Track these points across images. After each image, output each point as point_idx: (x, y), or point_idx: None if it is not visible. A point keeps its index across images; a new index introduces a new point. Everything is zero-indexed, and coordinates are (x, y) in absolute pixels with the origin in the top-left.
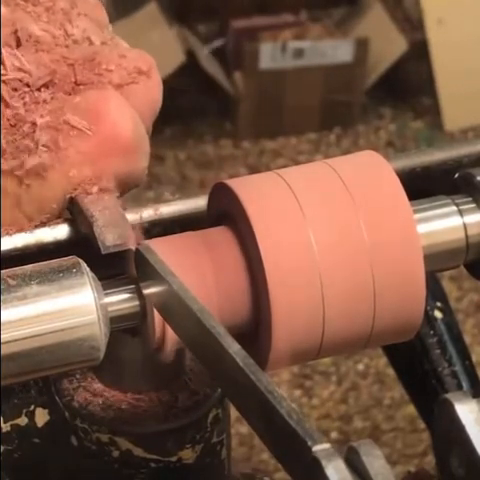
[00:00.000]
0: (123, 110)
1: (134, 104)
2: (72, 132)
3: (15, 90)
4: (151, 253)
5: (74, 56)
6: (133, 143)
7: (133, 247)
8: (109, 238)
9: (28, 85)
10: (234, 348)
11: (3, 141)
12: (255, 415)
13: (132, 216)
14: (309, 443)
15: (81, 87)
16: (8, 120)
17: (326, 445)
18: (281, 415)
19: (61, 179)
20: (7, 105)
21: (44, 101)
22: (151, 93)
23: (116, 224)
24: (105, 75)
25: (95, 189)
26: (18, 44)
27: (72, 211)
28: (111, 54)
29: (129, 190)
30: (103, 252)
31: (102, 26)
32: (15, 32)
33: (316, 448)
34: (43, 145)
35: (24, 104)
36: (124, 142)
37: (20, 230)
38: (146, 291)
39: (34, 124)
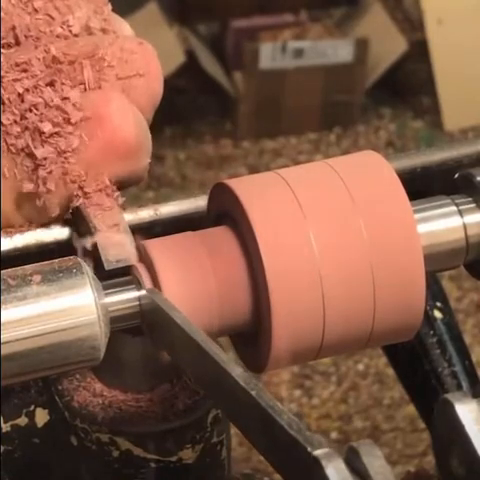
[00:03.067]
0: (125, 112)
1: (134, 98)
2: (73, 137)
3: (15, 92)
4: (156, 293)
5: (75, 52)
6: (136, 146)
7: (135, 263)
8: (112, 253)
9: (28, 87)
10: (237, 371)
11: (3, 144)
12: (256, 430)
13: (132, 216)
14: (309, 449)
15: (83, 86)
16: (8, 124)
17: (326, 449)
18: (282, 426)
19: (62, 184)
20: (8, 108)
21: (46, 104)
22: (152, 86)
23: (118, 237)
24: (107, 72)
25: (97, 194)
26: (17, 42)
27: (74, 214)
28: (112, 47)
29: (129, 187)
30: (107, 268)
31: (101, 5)
32: (13, 29)
33: (317, 452)
34: (44, 150)
35: (25, 107)
36: (126, 146)
37: (20, 231)
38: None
39: (36, 129)
